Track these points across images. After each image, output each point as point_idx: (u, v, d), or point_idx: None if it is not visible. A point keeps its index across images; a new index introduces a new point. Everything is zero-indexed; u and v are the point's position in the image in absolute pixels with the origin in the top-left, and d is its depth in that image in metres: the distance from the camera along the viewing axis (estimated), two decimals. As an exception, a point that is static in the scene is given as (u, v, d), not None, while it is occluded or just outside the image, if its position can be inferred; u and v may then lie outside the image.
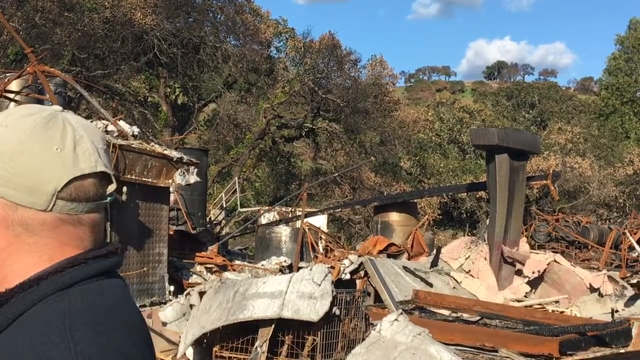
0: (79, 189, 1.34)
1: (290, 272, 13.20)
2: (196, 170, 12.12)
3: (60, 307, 1.27)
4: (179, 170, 11.69)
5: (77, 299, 1.29)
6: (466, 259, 16.76)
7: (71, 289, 1.30)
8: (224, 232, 25.09)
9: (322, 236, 19.39)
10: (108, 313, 1.32)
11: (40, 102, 12.60)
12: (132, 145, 11.04)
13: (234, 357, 8.34)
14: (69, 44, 28.84)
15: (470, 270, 16.55)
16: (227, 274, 12.18)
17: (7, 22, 16.12)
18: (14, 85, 12.30)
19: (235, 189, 31.61)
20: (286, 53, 40.71)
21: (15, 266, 1.33)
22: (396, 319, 7.57)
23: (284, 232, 18.51)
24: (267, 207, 27.86)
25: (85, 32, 29.06)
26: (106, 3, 29.93)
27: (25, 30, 26.27)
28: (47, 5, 28.67)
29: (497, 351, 10.12)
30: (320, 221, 23.72)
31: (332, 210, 27.46)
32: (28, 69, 11.62)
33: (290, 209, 25.67)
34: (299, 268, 13.85)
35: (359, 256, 16.07)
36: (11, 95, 11.81)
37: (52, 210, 1.32)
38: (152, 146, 12.00)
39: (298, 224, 19.19)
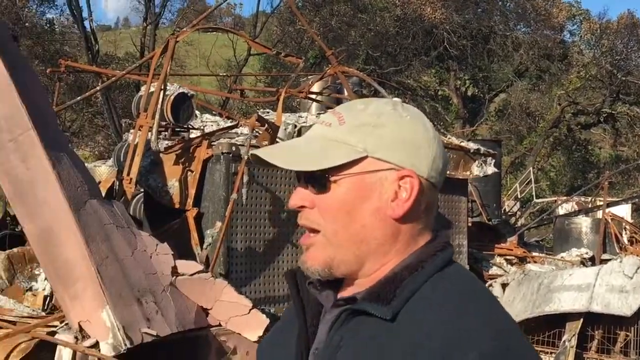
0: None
1: (592, 265, 12.69)
2: (493, 161, 12.05)
3: (446, 285, 1.37)
4: (476, 161, 11.70)
5: (461, 279, 1.41)
6: None
7: (445, 271, 1.41)
8: (519, 224, 24.68)
9: (627, 227, 18.31)
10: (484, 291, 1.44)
11: (339, 101, 13.30)
12: (431, 139, 11.24)
13: (541, 351, 8.20)
14: (363, 44, 30.09)
15: None
16: (529, 266, 11.98)
17: (309, 27, 17.19)
18: (315, 87, 13.07)
19: (530, 179, 30.95)
20: (580, 36, 38.93)
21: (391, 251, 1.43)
22: None
23: (584, 223, 17.74)
24: (564, 198, 26.94)
25: (378, 32, 30.13)
26: (397, 1, 30.73)
27: (323, 34, 27.80)
28: (342, 9, 30.17)
29: None
30: (623, 211, 22.42)
31: (636, 200, 25.78)
32: (329, 70, 12.22)
33: (589, 198, 24.61)
34: (602, 260, 13.25)
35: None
36: (313, 96, 12.57)
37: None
38: (448, 139, 12.14)
39: (599, 214, 18.32)
